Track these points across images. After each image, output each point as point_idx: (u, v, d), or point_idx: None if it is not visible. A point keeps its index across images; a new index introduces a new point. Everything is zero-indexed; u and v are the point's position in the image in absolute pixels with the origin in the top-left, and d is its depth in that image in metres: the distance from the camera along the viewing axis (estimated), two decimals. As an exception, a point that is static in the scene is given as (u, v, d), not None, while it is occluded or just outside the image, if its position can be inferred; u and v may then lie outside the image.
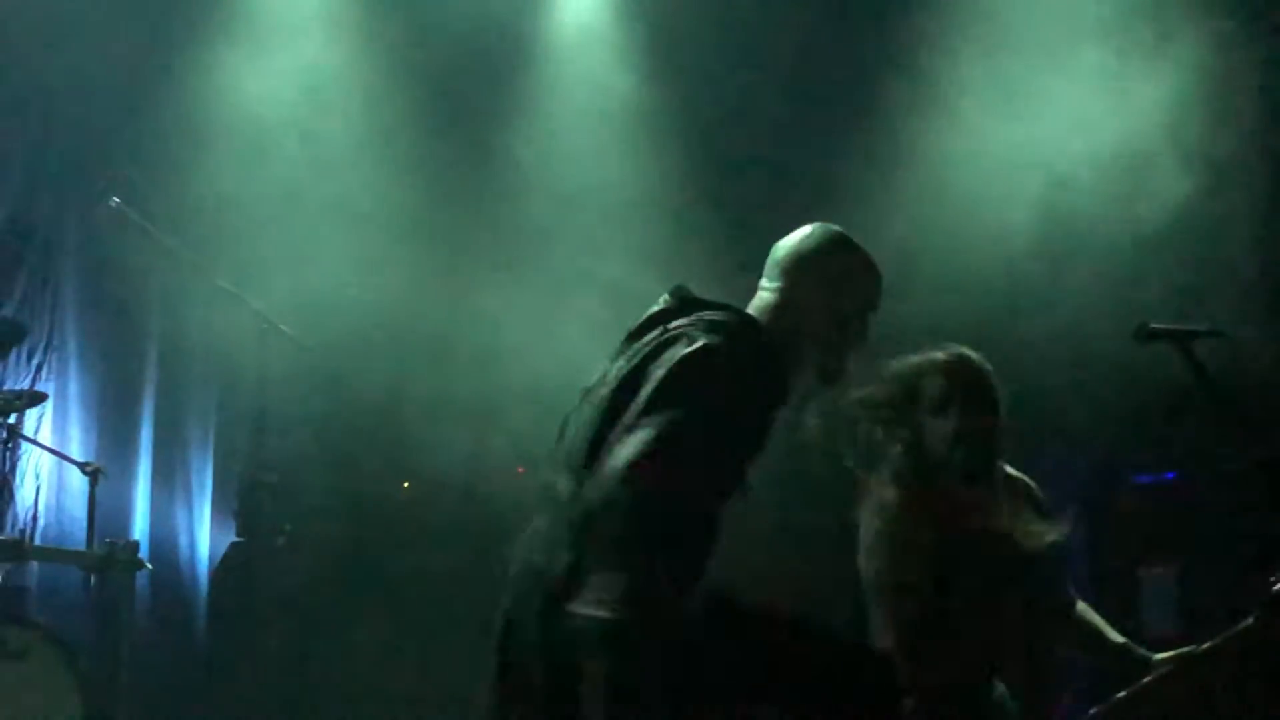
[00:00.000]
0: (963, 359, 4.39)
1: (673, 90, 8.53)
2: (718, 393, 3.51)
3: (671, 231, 8.10)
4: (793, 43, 8.43)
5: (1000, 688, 4.26)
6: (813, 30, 8.44)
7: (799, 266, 3.95)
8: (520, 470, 8.17)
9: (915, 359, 4.41)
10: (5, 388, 7.78)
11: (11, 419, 7.14)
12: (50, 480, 8.17)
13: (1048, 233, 7.67)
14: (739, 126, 8.45)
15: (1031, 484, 4.58)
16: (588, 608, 3.31)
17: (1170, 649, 4.32)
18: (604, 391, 3.66)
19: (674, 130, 8.47)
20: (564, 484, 3.60)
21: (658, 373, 3.53)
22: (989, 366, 4.41)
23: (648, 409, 3.46)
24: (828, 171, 8.18)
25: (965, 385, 4.34)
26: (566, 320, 7.83)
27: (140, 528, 8.12)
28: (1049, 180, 7.67)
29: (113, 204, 7.15)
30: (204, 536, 8.41)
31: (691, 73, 8.49)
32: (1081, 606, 4.55)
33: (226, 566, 7.91)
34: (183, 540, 8.34)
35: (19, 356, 8.18)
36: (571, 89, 8.67)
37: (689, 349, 3.56)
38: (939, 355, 4.40)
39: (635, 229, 8.15)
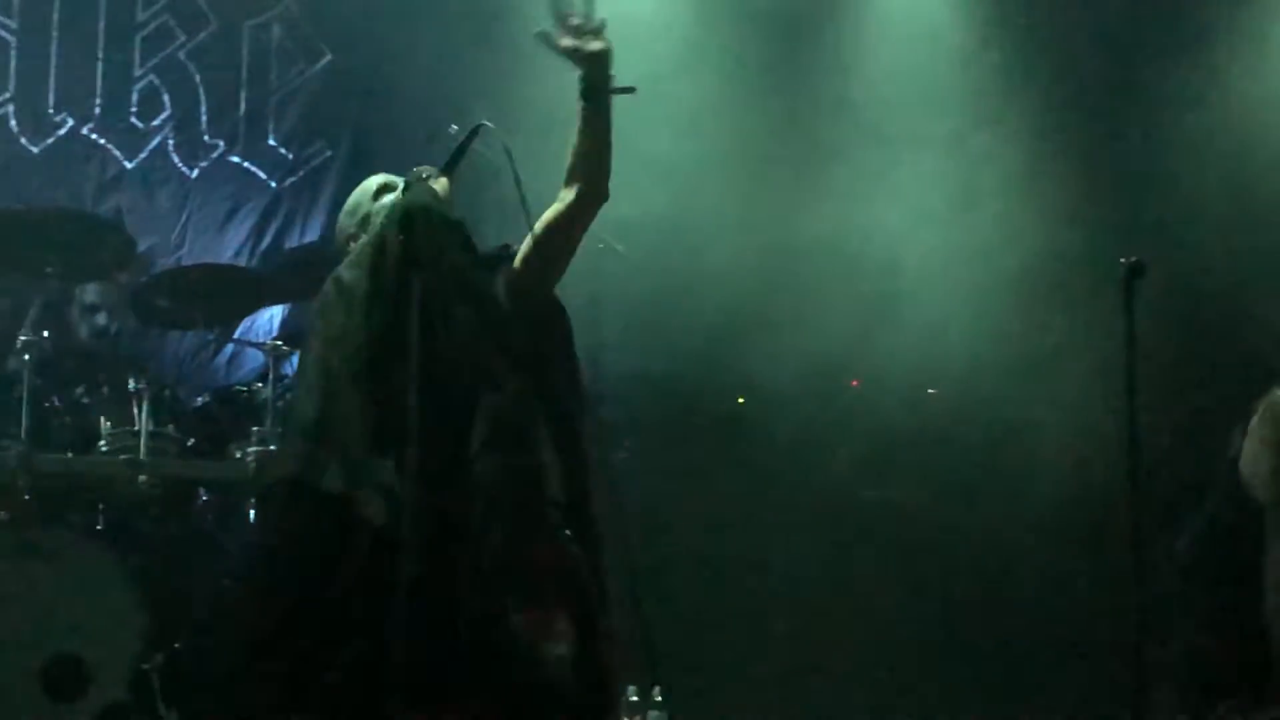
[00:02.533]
0: None
1: (1005, 44, 8.31)
2: None
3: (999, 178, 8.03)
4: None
5: None
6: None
7: None
8: (855, 383, 8.13)
9: None
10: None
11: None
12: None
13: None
14: (1064, 80, 8.22)
15: None
16: None
17: None
18: None
19: (1007, 87, 8.27)
20: None
21: None
22: None
23: None
24: (1153, 120, 7.93)
25: None
26: (885, 243, 7.81)
27: (479, 447, 8.31)
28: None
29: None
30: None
31: (1022, 26, 8.27)
32: None
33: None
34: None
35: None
36: (904, 39, 8.47)
37: None
38: None
39: (958, 168, 8.10)
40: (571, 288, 4.58)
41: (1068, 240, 7.70)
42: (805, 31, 8.43)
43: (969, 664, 7.48)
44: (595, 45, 4.12)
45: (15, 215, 7.16)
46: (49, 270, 6.71)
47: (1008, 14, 8.28)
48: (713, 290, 7.96)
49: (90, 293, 7.34)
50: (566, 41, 4.12)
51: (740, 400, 8.19)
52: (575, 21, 4.09)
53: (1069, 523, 7.54)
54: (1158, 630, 4.68)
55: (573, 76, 4.18)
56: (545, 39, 4.13)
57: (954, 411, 7.88)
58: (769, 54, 8.35)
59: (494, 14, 8.31)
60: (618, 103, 4.20)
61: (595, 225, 6.79)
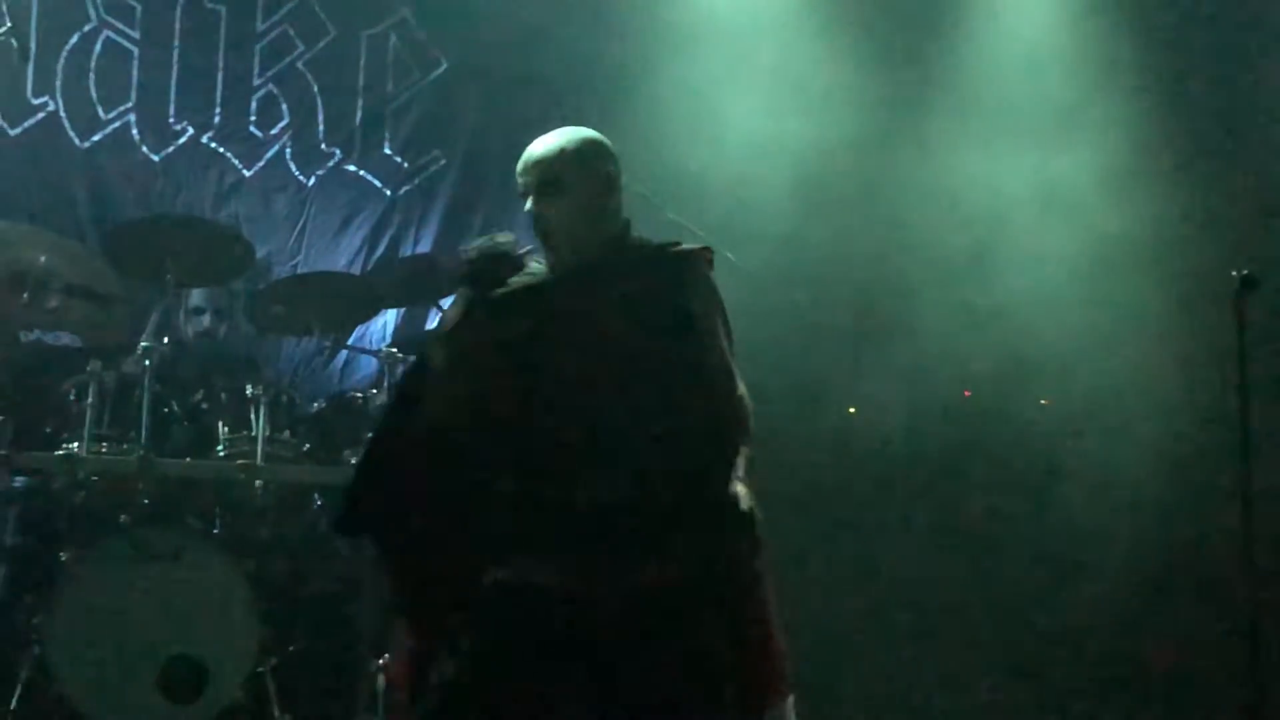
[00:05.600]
0: None
1: (1120, 47, 8.23)
2: None
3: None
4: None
5: None
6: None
7: None
8: (966, 393, 8.08)
9: None
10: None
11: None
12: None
13: None
14: (1178, 85, 8.15)
15: None
16: None
17: None
18: None
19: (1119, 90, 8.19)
20: None
21: None
22: None
23: None
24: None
25: None
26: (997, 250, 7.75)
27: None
28: None
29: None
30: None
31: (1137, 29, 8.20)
32: None
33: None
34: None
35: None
36: (1019, 37, 8.40)
37: None
38: None
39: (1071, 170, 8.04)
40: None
41: (1177, 248, 7.61)
42: (921, 35, 8.38)
43: (1070, 671, 7.45)
44: None
45: (136, 223, 7.28)
46: (168, 277, 6.76)
47: (1122, 17, 8.20)
48: (820, 297, 7.94)
49: (196, 296, 7.38)
50: None
51: (851, 410, 8.16)
52: None
53: (1177, 534, 7.47)
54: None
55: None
56: None
57: (1059, 422, 7.82)
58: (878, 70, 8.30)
59: (609, 23, 8.34)
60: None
61: (711, 238, 6.87)
